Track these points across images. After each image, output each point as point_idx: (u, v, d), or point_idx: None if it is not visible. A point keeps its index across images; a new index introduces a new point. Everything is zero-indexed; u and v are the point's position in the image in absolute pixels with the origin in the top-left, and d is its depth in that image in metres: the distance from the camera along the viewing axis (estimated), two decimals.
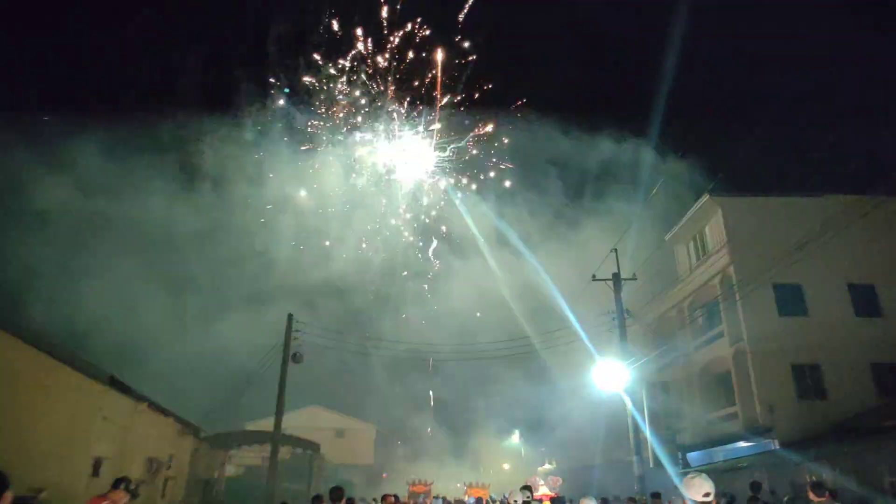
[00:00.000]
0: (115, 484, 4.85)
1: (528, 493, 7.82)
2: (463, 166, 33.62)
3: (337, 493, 6.82)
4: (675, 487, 16.17)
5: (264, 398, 22.56)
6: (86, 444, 12.54)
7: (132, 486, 4.94)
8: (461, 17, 30.29)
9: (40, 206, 30.63)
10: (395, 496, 11.27)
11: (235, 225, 36.96)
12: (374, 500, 16.63)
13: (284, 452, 28.52)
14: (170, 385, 28.34)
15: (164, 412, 17.96)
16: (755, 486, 9.77)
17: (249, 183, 34.70)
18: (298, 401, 40.65)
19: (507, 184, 34.59)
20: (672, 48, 28.33)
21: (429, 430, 43.60)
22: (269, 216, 35.35)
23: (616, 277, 17.77)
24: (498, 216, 35.19)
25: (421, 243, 36.59)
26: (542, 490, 20.32)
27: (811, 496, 7.12)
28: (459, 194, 33.97)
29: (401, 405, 43.43)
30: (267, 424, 23.21)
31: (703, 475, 4.56)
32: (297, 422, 36.83)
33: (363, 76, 30.86)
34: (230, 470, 29.01)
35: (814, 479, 8.31)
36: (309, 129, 32.40)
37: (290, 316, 18.34)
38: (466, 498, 18.96)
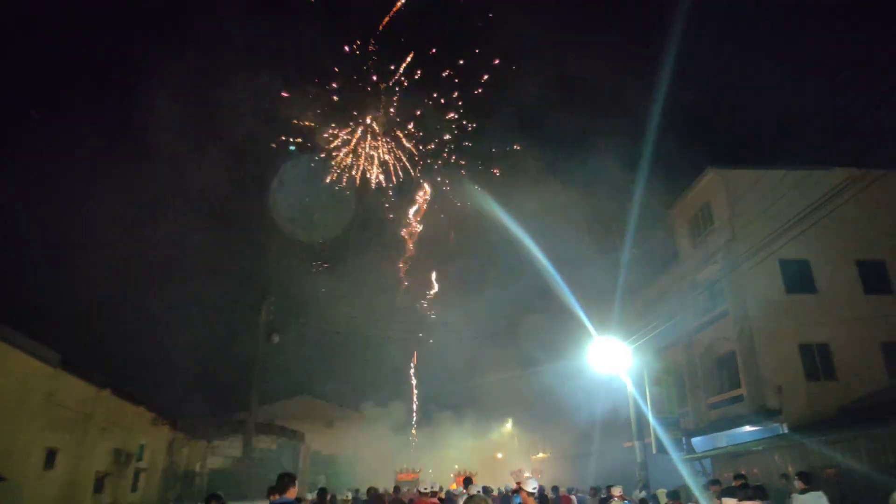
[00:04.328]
0: None
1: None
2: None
3: (284, 481, 5.48)
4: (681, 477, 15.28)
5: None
6: (36, 433, 11.37)
7: None
8: None
9: None
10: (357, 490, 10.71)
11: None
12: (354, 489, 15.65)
13: (270, 442, 27.53)
14: (162, 381, 27.28)
15: (133, 400, 16.78)
16: (738, 477, 9.87)
17: None
18: (288, 390, 39.72)
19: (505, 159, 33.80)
20: (679, 16, 27.13)
21: (417, 417, 42.79)
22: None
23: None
24: (494, 191, 34.08)
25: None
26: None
27: (798, 484, 7.62)
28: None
29: (392, 393, 42.56)
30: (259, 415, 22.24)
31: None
32: (286, 411, 35.94)
33: None
34: (215, 461, 27.84)
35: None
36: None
37: (267, 293, 17.22)
38: (454, 487, 18.02)
